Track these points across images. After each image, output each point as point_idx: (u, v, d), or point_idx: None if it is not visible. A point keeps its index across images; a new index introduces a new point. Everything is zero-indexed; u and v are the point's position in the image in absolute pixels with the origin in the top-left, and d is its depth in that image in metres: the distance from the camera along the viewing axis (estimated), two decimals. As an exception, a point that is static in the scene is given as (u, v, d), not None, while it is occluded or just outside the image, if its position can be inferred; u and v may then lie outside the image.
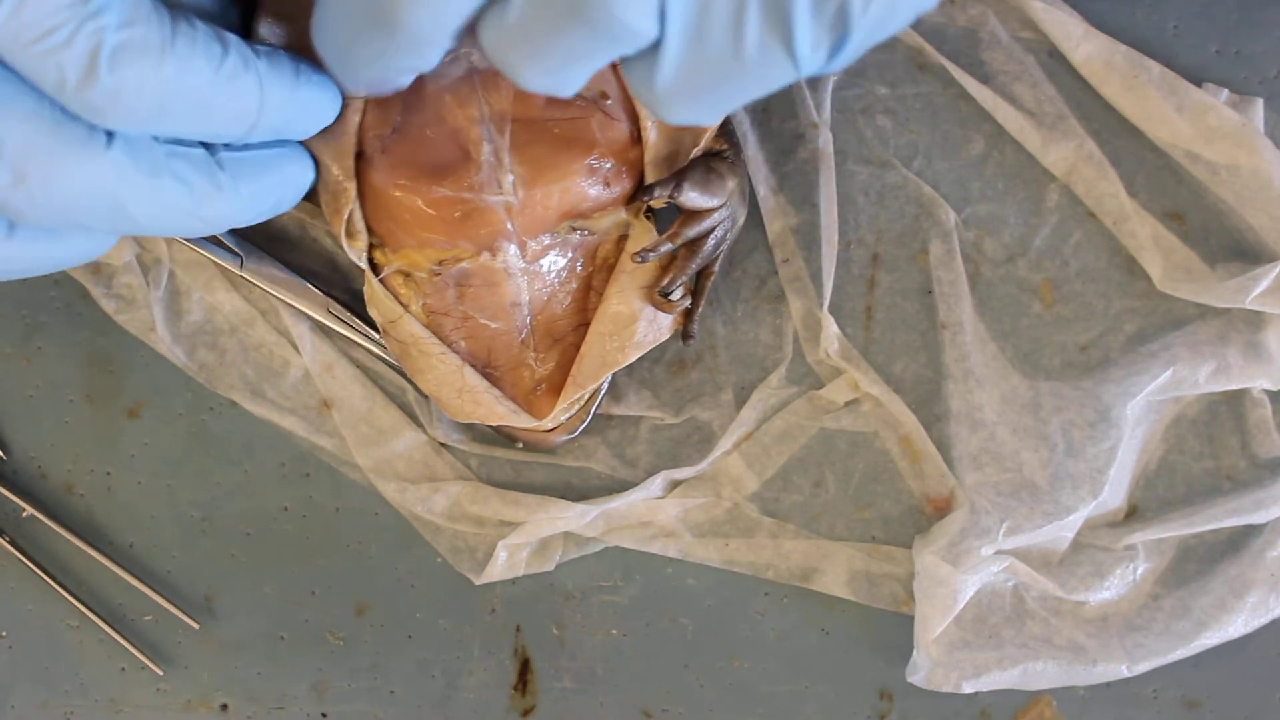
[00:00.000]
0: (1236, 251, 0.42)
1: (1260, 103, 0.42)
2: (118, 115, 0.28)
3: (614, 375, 0.43)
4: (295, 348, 0.43)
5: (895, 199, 0.43)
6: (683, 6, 0.27)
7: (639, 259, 0.39)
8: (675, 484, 0.44)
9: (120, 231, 0.32)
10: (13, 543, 0.45)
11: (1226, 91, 0.42)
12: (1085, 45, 0.41)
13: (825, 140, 0.42)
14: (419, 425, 0.44)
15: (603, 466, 0.44)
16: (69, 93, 0.28)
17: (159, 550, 0.45)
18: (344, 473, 0.44)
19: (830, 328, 0.42)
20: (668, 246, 0.39)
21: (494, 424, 0.41)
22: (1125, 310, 0.43)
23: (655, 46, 0.28)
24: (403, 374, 0.44)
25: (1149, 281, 0.43)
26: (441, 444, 0.44)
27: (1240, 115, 0.41)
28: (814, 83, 0.43)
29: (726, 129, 0.40)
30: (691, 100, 0.29)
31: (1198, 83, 0.42)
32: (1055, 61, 0.42)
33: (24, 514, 0.45)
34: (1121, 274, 0.43)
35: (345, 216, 0.38)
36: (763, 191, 0.43)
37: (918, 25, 0.42)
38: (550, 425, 0.41)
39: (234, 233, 0.43)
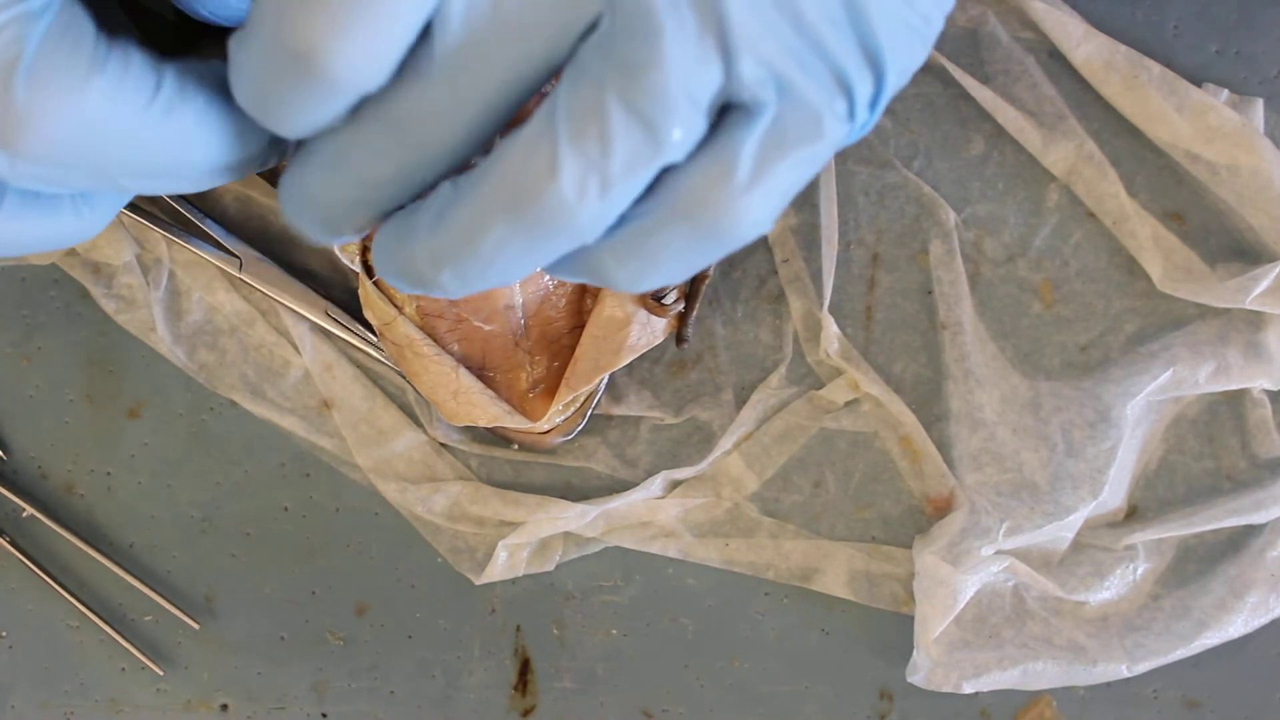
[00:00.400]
0: (1236, 251, 0.42)
1: (1260, 103, 0.41)
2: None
3: (613, 375, 0.43)
4: (295, 348, 0.43)
5: (895, 199, 0.43)
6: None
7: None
8: (675, 484, 0.44)
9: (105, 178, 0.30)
10: (13, 543, 0.45)
11: (1226, 91, 0.42)
12: (1085, 45, 0.41)
13: (825, 140, 0.42)
14: (419, 425, 0.44)
15: (603, 466, 0.44)
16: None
17: (159, 550, 0.45)
18: (344, 473, 0.44)
19: (830, 328, 0.42)
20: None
21: (489, 425, 0.41)
22: (1125, 310, 0.43)
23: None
24: (402, 374, 0.44)
25: (1149, 281, 0.42)
26: (441, 444, 0.44)
27: (1240, 115, 0.41)
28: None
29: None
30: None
31: (1198, 83, 0.42)
32: (1055, 61, 0.42)
33: (24, 514, 0.45)
34: (1121, 274, 0.43)
35: None
36: (762, 191, 0.42)
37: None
38: (545, 427, 0.41)
39: (233, 234, 0.43)
